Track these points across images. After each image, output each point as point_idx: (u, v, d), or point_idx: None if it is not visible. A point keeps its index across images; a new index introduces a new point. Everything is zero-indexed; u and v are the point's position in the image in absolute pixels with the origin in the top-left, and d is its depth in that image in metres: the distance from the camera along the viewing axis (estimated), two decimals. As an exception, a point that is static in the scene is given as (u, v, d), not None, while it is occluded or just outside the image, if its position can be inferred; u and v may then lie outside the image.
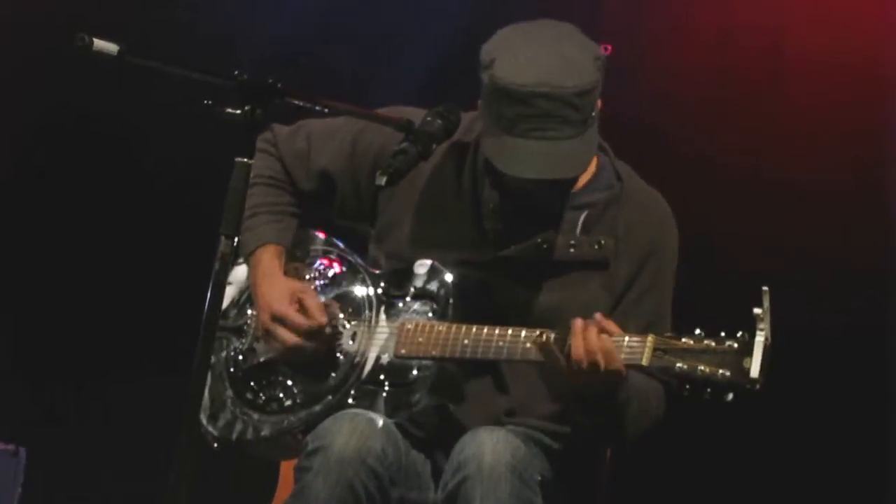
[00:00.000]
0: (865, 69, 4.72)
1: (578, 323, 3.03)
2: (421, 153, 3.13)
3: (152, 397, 4.77)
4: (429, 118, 3.17)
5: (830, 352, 4.66)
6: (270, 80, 2.81)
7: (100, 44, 2.71)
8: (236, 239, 2.76)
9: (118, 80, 4.48)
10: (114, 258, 5.06)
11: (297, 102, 2.91)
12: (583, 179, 3.32)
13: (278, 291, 3.32)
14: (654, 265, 3.28)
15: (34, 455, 4.67)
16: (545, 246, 3.26)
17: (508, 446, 3.09)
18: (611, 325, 3.04)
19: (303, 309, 3.30)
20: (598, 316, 3.05)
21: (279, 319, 3.29)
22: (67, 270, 5.05)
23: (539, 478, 3.14)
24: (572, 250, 3.26)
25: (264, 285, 3.34)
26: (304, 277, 3.42)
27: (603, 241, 3.26)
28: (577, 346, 3.01)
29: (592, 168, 3.34)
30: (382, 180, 3.08)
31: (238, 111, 2.77)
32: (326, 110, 2.99)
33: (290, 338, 3.29)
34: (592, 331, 3.01)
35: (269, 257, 3.39)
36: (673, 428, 4.24)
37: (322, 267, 3.43)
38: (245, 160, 2.77)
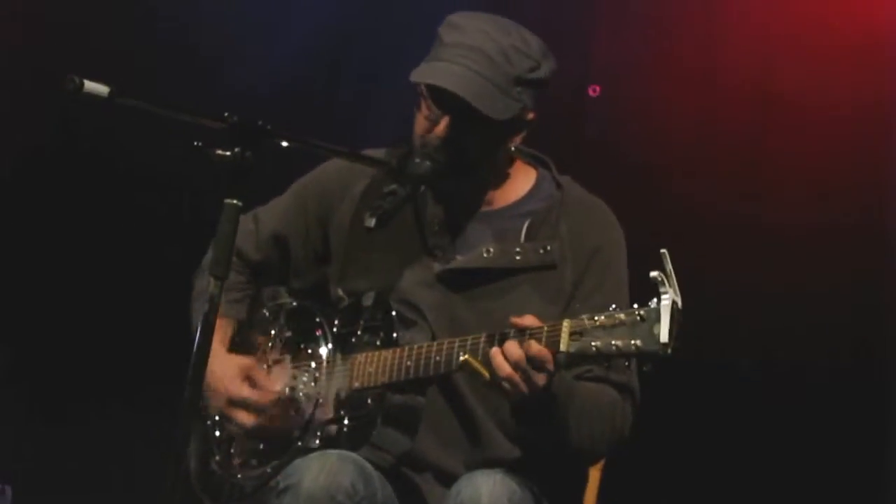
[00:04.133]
0: (853, 109, 4.74)
1: (495, 352, 3.02)
2: (409, 194, 3.18)
3: (139, 435, 4.75)
4: (417, 160, 3.22)
5: (825, 391, 4.69)
6: (260, 122, 2.83)
7: (90, 85, 2.72)
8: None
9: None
10: (100, 294, 5.04)
11: (285, 143, 2.92)
12: (523, 190, 3.38)
13: (229, 371, 3.35)
14: (599, 264, 3.30)
15: (20, 493, 4.65)
16: (491, 255, 3.29)
17: (505, 489, 3.09)
18: (527, 319, 3.04)
19: (253, 383, 3.33)
20: (512, 319, 3.05)
21: (237, 403, 3.33)
22: (52, 308, 5.03)
23: (536, 522, 3.15)
24: (518, 257, 3.29)
25: (213, 364, 3.33)
26: (264, 334, 3.45)
27: (549, 247, 3.29)
28: (502, 365, 3.01)
29: (532, 180, 3.39)
30: (372, 222, 3.15)
31: (228, 153, 2.79)
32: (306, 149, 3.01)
33: (248, 420, 3.33)
34: (509, 345, 3.01)
35: (217, 336, 3.38)
36: (664, 443, 4.28)
37: (281, 321, 3.46)
38: (234, 201, 2.78)
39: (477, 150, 3.28)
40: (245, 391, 3.32)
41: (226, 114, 2.81)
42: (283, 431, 3.30)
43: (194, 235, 3.48)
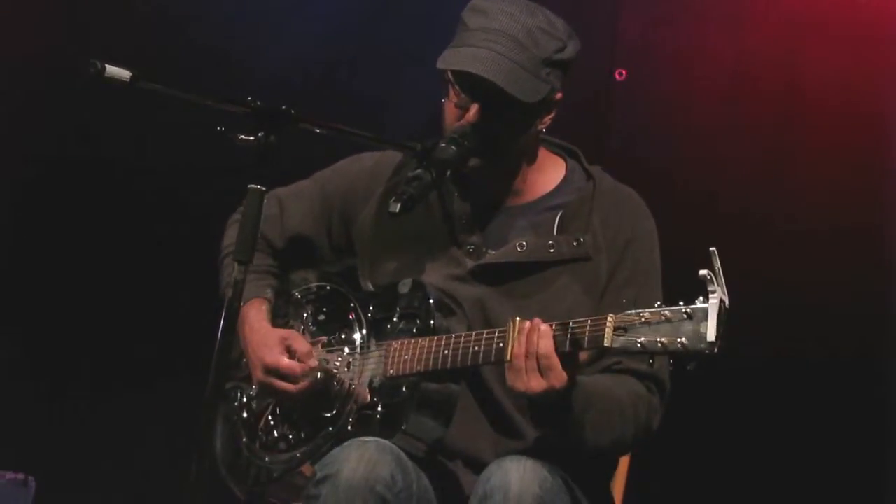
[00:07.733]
0: (882, 100, 4.70)
1: (524, 324, 3.01)
2: (435, 180, 3.15)
3: (162, 426, 4.75)
4: (443, 144, 3.19)
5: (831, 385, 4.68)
6: (283, 106, 2.81)
7: (112, 70, 2.71)
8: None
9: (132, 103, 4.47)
10: (122, 286, 5.05)
11: (309, 128, 2.90)
12: (553, 182, 3.35)
13: (267, 342, 3.31)
14: (632, 255, 3.28)
15: (43, 484, 4.65)
16: (525, 249, 3.26)
17: (536, 476, 3.06)
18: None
19: (292, 354, 3.29)
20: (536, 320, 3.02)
21: (272, 371, 3.28)
22: (75, 299, 5.04)
23: (566, 509, 3.13)
24: (552, 250, 3.26)
25: (253, 339, 3.34)
26: (296, 318, 3.43)
27: (582, 239, 3.26)
28: (517, 345, 3.00)
29: (561, 171, 3.37)
30: (396, 207, 3.11)
31: (251, 137, 2.78)
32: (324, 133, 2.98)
33: (286, 387, 3.27)
34: (534, 334, 2.99)
35: (255, 312, 3.39)
36: (686, 434, 4.26)
37: (313, 305, 3.43)
38: (258, 186, 2.76)
39: (508, 134, 3.26)
40: (281, 360, 3.26)
41: (249, 98, 2.80)
42: (314, 416, 3.28)
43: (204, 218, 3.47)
